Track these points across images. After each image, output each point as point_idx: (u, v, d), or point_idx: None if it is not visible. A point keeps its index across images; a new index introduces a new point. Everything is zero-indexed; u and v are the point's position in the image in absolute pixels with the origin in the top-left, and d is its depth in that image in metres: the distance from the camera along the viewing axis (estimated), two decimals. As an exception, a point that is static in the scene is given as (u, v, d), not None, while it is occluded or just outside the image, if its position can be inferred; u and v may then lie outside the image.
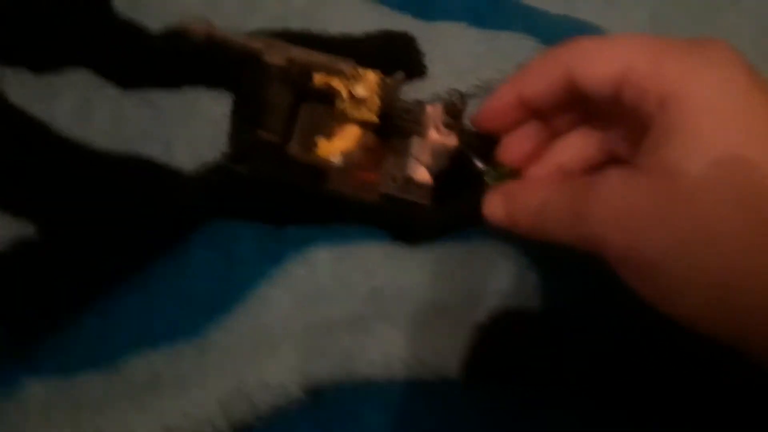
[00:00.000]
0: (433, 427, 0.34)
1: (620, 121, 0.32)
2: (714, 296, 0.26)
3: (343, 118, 0.36)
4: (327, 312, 0.36)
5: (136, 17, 0.43)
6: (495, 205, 0.33)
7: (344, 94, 0.35)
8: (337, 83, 0.35)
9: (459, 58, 0.45)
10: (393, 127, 0.37)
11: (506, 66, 0.44)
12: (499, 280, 0.36)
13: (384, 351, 0.34)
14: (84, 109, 0.40)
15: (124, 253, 0.36)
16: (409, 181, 0.37)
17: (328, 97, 0.37)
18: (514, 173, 0.35)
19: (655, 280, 0.27)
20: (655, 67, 0.28)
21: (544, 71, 0.32)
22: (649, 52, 0.29)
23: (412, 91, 0.42)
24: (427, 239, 0.38)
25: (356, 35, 0.44)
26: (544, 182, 0.32)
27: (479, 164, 0.36)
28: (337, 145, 0.36)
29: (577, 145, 0.34)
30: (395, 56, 0.43)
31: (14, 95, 0.40)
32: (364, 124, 0.37)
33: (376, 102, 0.36)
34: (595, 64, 0.30)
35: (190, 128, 0.39)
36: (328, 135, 0.37)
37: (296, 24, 0.43)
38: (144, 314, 0.35)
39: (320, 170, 0.37)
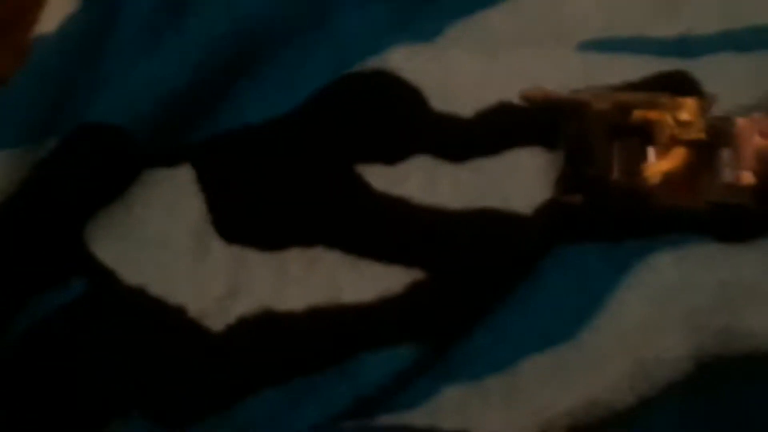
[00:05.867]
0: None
1: None
2: None
3: (668, 143, 0.42)
4: (680, 308, 0.41)
5: (450, 109, 0.53)
6: None
7: (670, 121, 0.42)
8: (656, 115, 0.42)
9: (729, 82, 0.50)
10: (703, 143, 0.42)
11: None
12: None
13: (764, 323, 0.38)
14: (431, 182, 0.50)
15: (497, 283, 0.44)
16: (731, 187, 0.42)
17: (641, 130, 0.43)
18: None
19: None
20: None
21: None
22: None
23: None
24: (755, 236, 0.42)
25: (635, 81, 0.51)
26: None
27: None
28: (665, 166, 0.42)
29: None
30: (675, 90, 0.49)
31: (375, 183, 0.51)
32: (689, 144, 0.42)
33: (700, 122, 0.41)
34: None
35: (520, 181, 0.48)
36: (647, 160, 0.43)
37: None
38: (524, 327, 0.43)
39: (644, 191, 0.43)
